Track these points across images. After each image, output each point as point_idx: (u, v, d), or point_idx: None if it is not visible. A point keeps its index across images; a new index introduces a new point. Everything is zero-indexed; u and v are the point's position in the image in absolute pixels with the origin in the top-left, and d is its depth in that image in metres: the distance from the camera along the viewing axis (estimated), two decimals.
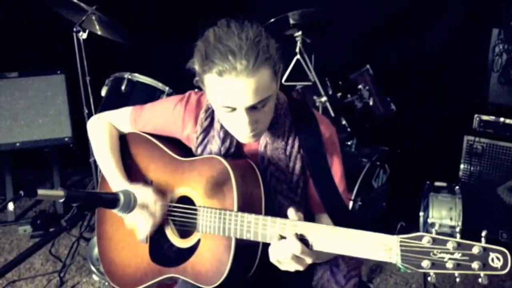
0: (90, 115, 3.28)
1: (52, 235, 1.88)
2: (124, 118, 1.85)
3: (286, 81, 3.16)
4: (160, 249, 1.71)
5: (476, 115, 3.38)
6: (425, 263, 1.18)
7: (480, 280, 1.15)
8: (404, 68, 3.72)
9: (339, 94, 3.27)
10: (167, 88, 3.14)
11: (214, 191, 1.57)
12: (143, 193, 1.66)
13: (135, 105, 1.87)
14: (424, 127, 3.72)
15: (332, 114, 3.13)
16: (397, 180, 3.37)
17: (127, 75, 3.15)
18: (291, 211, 1.38)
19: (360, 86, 3.29)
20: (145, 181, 1.77)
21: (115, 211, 1.44)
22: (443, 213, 3.13)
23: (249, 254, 1.54)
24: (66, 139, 3.69)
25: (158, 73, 3.22)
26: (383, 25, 3.74)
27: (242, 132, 1.51)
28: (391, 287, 3.05)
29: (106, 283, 2.99)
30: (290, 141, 1.63)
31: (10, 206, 3.78)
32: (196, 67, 1.48)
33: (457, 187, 3.23)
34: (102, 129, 1.85)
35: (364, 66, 3.39)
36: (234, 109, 1.45)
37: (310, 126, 1.64)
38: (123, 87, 3.12)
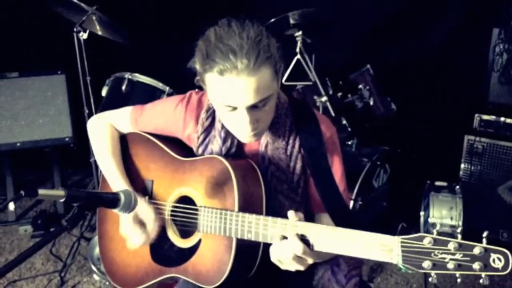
0: (90, 115, 3.28)
1: (53, 235, 1.88)
2: (124, 118, 1.85)
3: (286, 81, 3.16)
4: (161, 249, 1.71)
5: (476, 115, 3.39)
6: (426, 264, 1.18)
7: (481, 280, 1.15)
8: (405, 68, 3.72)
9: (339, 94, 3.27)
10: (167, 88, 3.14)
11: (215, 191, 1.57)
12: (144, 210, 1.67)
13: (135, 105, 1.87)
14: (425, 126, 3.72)
15: (333, 114, 3.13)
16: (398, 179, 3.37)
17: (127, 75, 3.15)
18: (291, 213, 1.38)
19: (360, 86, 3.29)
20: (146, 181, 1.77)
21: (115, 211, 1.44)
22: (444, 213, 3.13)
23: (250, 254, 1.54)
24: (67, 139, 3.69)
25: (158, 73, 3.22)
26: (383, 25, 3.74)
27: (243, 132, 1.51)
28: (391, 286, 3.05)
29: (107, 283, 2.99)
30: (291, 141, 1.63)
31: (11, 206, 3.78)
32: (197, 67, 1.48)
33: (457, 187, 3.23)
34: (103, 131, 1.85)
35: (364, 66, 3.39)
36: (235, 108, 1.45)
37: (311, 126, 1.64)
38: (123, 87, 3.12)
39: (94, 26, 3.31)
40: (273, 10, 3.09)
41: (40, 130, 3.66)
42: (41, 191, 1.22)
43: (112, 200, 1.42)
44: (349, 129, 3.18)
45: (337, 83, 3.31)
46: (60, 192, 1.27)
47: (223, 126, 1.63)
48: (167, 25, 3.98)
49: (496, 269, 1.13)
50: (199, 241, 1.60)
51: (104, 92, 3.24)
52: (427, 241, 1.19)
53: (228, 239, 1.51)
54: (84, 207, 1.36)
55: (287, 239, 1.36)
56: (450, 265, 1.16)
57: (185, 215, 1.65)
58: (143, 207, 1.68)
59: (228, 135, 1.64)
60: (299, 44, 3.14)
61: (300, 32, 3.14)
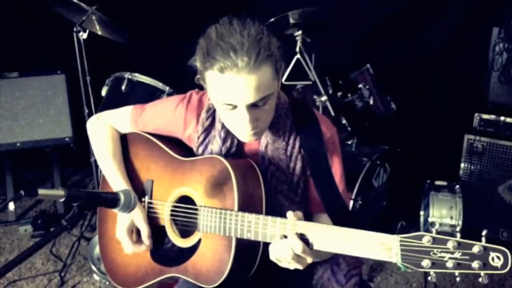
0: (90, 115, 3.28)
1: (53, 235, 1.89)
2: (124, 118, 1.84)
3: (286, 80, 3.17)
4: (161, 249, 1.71)
5: (476, 114, 3.39)
6: (425, 263, 1.18)
7: (480, 279, 1.15)
8: (405, 67, 3.72)
9: (339, 93, 3.27)
10: (167, 88, 3.14)
11: (215, 190, 1.57)
12: (139, 218, 1.69)
13: (135, 105, 1.87)
14: (425, 126, 3.72)
15: (332, 114, 3.13)
16: (398, 179, 3.38)
17: (127, 75, 3.15)
18: (290, 214, 1.38)
19: (360, 85, 3.29)
20: (146, 181, 1.77)
21: (115, 210, 1.44)
22: (444, 212, 3.13)
23: (250, 253, 1.54)
24: (67, 139, 3.69)
25: (158, 73, 3.22)
26: (383, 24, 3.74)
27: (243, 130, 1.51)
28: (391, 286, 3.05)
29: (107, 283, 3.00)
30: (291, 141, 1.63)
31: (11, 206, 3.78)
32: (198, 64, 1.48)
33: (457, 186, 3.23)
34: (103, 131, 1.84)
35: (364, 65, 3.39)
36: (235, 107, 1.45)
37: (311, 126, 1.64)
38: (123, 87, 3.12)
39: (94, 26, 3.31)
40: (273, 9, 3.10)
41: (40, 130, 3.66)
42: (41, 191, 1.22)
43: (111, 200, 1.42)
44: (349, 128, 3.19)
45: (337, 83, 3.31)
46: (60, 191, 1.27)
47: (223, 126, 1.63)
48: (167, 25, 3.98)
49: (495, 268, 1.14)
50: (199, 240, 1.60)
51: (104, 92, 3.24)
52: (426, 240, 1.19)
53: (227, 238, 1.51)
54: (84, 207, 1.37)
55: (286, 238, 1.37)
56: (449, 264, 1.16)
57: (185, 215, 1.65)
58: (140, 219, 1.70)
59: (228, 135, 1.64)
60: (299, 43, 3.15)
61: (300, 32, 3.14)
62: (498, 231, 3.30)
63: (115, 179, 1.77)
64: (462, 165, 3.47)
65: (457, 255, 1.16)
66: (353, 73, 3.37)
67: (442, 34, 3.69)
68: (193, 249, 1.61)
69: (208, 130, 1.69)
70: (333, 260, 1.69)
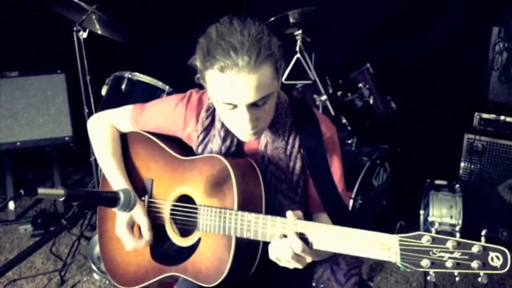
0: (90, 114, 3.28)
1: (53, 234, 1.89)
2: (124, 117, 1.85)
3: (286, 80, 3.17)
4: (161, 248, 1.71)
5: (476, 113, 3.39)
6: (425, 262, 1.18)
7: (479, 279, 1.15)
8: (405, 66, 3.72)
9: (339, 93, 3.27)
10: (167, 87, 3.14)
11: (215, 190, 1.57)
12: (138, 214, 1.69)
13: (135, 104, 1.87)
14: (424, 125, 3.72)
15: (332, 113, 3.13)
16: (398, 178, 3.38)
17: (127, 74, 3.15)
18: (289, 214, 1.38)
19: (360, 85, 3.29)
20: (146, 180, 1.78)
21: (115, 209, 1.45)
22: (444, 212, 3.13)
23: (250, 253, 1.54)
24: (67, 138, 3.69)
25: (158, 72, 3.23)
26: (383, 24, 3.74)
27: (243, 130, 1.51)
28: (391, 285, 3.05)
29: (107, 282, 3.00)
30: (290, 141, 1.63)
31: (11, 205, 3.78)
32: (198, 64, 1.48)
33: (457, 186, 3.23)
34: (103, 130, 1.85)
35: (364, 64, 3.39)
36: (235, 106, 1.45)
37: (311, 125, 1.64)
38: (123, 86, 3.12)
39: (94, 25, 3.31)
40: (273, 9, 3.10)
41: (40, 129, 3.66)
42: (40, 190, 1.22)
43: (111, 199, 1.42)
44: (349, 128, 3.19)
45: (337, 82, 3.31)
46: (60, 191, 1.27)
47: (223, 125, 1.63)
48: (167, 24, 3.97)
49: (495, 268, 1.14)
50: (199, 239, 1.60)
51: (104, 91, 3.24)
52: (425, 239, 1.19)
53: (227, 237, 1.51)
54: (84, 206, 1.37)
55: (286, 237, 1.37)
56: (449, 264, 1.16)
57: (184, 214, 1.65)
58: (139, 214, 1.70)
59: (227, 134, 1.64)
60: (299, 43, 3.15)
61: (300, 31, 3.15)
62: (498, 231, 3.30)
63: (114, 178, 1.77)
64: (462, 164, 3.47)
65: (457, 255, 1.16)
66: (353, 72, 3.37)
67: (442, 34, 3.69)
68: (192, 248, 1.61)
69: (207, 129, 1.69)
70: (333, 259, 1.69)
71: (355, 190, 2.91)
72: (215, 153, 1.65)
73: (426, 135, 3.71)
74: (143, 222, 1.70)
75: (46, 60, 3.85)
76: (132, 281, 1.78)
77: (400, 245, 1.22)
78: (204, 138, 1.70)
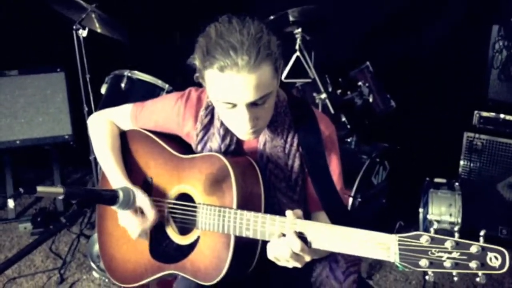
0: (90, 113, 3.28)
1: (51, 232, 1.88)
2: (125, 115, 1.85)
3: (286, 78, 3.16)
4: (160, 246, 1.71)
5: (476, 112, 3.38)
6: (423, 262, 1.18)
7: (478, 279, 1.15)
8: (404, 65, 3.72)
9: (339, 91, 3.26)
10: (166, 86, 3.14)
11: (214, 188, 1.57)
12: (140, 198, 1.67)
13: (135, 102, 1.87)
14: (424, 123, 3.72)
15: (332, 111, 3.13)
16: (397, 176, 3.37)
17: (126, 73, 3.14)
18: (289, 213, 1.38)
19: (360, 83, 3.29)
20: (145, 178, 1.78)
21: (114, 208, 1.45)
22: (443, 210, 3.13)
23: (248, 251, 1.54)
24: (66, 136, 3.69)
25: (157, 70, 3.22)
26: (383, 22, 3.74)
27: (242, 129, 1.51)
28: (390, 283, 3.06)
29: (106, 280, 3.00)
30: (289, 139, 1.63)
31: (11, 203, 3.79)
32: (197, 63, 1.48)
33: (456, 184, 3.24)
34: (103, 127, 1.85)
35: (364, 62, 3.39)
36: (234, 106, 1.45)
37: (310, 124, 1.64)
38: (122, 85, 3.11)
39: (93, 24, 3.31)
40: (273, 7, 3.09)
41: (40, 128, 3.66)
42: (39, 188, 1.22)
43: (110, 197, 1.42)
44: (349, 126, 3.18)
45: (336, 80, 3.31)
46: (59, 189, 1.28)
47: (222, 124, 1.63)
48: (166, 22, 3.97)
49: (493, 268, 1.14)
50: (198, 238, 1.60)
51: (103, 90, 3.24)
52: (424, 239, 1.19)
53: (226, 236, 1.51)
54: (83, 204, 1.37)
55: (285, 237, 1.37)
56: (447, 264, 1.16)
57: (184, 212, 1.65)
58: (139, 196, 1.67)
59: (227, 132, 1.65)
60: (298, 41, 3.14)
61: (299, 29, 3.14)
62: (497, 229, 3.30)
63: (113, 174, 1.77)
64: (461, 162, 3.47)
65: (455, 255, 1.16)
66: (352, 70, 3.36)
67: (442, 32, 3.68)
68: (191, 246, 1.61)
69: (207, 127, 1.69)
70: (332, 257, 1.69)
71: (354, 188, 2.91)
72: (215, 151, 1.65)
73: (426, 133, 3.71)
74: (145, 202, 1.66)
75: (45, 58, 3.84)
76: (131, 279, 1.79)
77: (399, 245, 1.22)
78: (203, 137, 1.70)
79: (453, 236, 1.18)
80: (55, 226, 1.48)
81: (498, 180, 3.36)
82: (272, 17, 3.04)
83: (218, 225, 1.52)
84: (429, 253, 1.18)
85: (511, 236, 3.27)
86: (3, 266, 1.27)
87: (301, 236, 1.35)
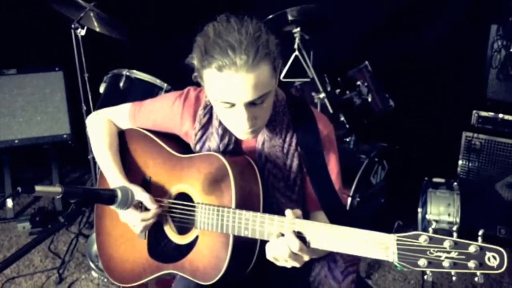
0: (88, 112, 3.27)
1: (50, 231, 1.88)
2: (123, 115, 1.85)
3: (284, 77, 3.16)
4: (159, 245, 1.72)
5: (474, 111, 3.38)
6: (422, 262, 1.18)
7: (476, 279, 1.15)
8: (403, 64, 3.72)
9: (337, 91, 3.26)
10: (165, 85, 3.13)
11: (212, 188, 1.57)
12: (140, 193, 1.67)
13: (133, 101, 1.87)
14: (423, 123, 3.72)
15: (331, 111, 3.13)
16: (396, 176, 3.37)
17: (125, 72, 3.14)
18: (288, 212, 1.38)
19: (358, 83, 3.29)
20: (144, 177, 1.78)
21: (112, 207, 1.44)
22: (441, 209, 3.13)
23: (247, 251, 1.54)
24: (65, 136, 3.69)
25: (156, 69, 3.22)
26: (382, 21, 3.73)
27: (241, 128, 1.51)
28: (389, 283, 3.06)
29: (105, 280, 3.00)
30: (287, 139, 1.63)
31: (9, 203, 3.78)
32: (195, 63, 1.48)
33: (455, 183, 3.24)
34: (101, 126, 1.85)
35: (362, 62, 3.39)
36: (233, 105, 1.45)
37: (308, 123, 1.64)
38: (121, 84, 3.11)
39: (92, 23, 3.30)
40: (271, 6, 3.09)
41: (38, 127, 3.66)
42: (38, 188, 1.22)
43: (109, 197, 1.42)
44: (347, 125, 3.18)
45: (335, 80, 3.31)
46: (57, 188, 1.27)
47: (220, 123, 1.63)
48: (165, 21, 3.97)
49: (491, 268, 1.14)
50: (196, 237, 1.60)
51: (102, 89, 3.23)
52: (422, 239, 1.19)
53: (225, 236, 1.51)
54: (81, 204, 1.37)
55: (283, 236, 1.37)
56: (446, 263, 1.16)
57: (182, 212, 1.65)
58: (138, 192, 1.67)
59: (225, 132, 1.64)
60: (297, 40, 3.14)
61: (298, 29, 3.14)
62: (496, 228, 3.31)
63: (111, 173, 1.77)
64: (460, 162, 3.47)
65: (454, 254, 1.16)
66: (351, 70, 3.36)
67: (441, 32, 3.68)
68: (190, 246, 1.61)
69: (205, 127, 1.69)
70: (330, 257, 1.69)
71: (353, 187, 2.91)
72: (213, 151, 1.65)
73: (424, 133, 3.71)
74: (144, 197, 1.66)
75: (44, 57, 3.84)
76: (130, 279, 1.79)
77: (398, 244, 1.22)
78: (201, 136, 1.70)
79: (451, 235, 1.18)
80: (53, 226, 1.47)
81: (496, 179, 3.37)
82: (270, 16, 3.04)
83: (217, 225, 1.51)
84: (428, 252, 1.18)
85: (509, 235, 3.27)
86: (2, 265, 1.26)
87: (299, 236, 1.35)
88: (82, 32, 3.19)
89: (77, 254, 3.28)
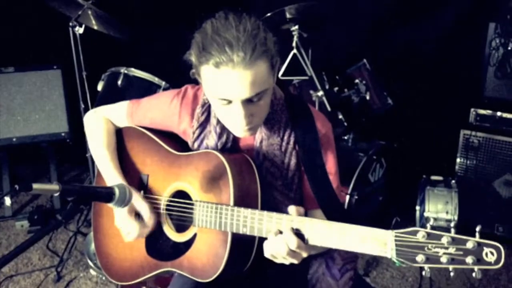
0: (86, 110, 3.27)
1: (47, 230, 1.88)
2: (120, 112, 1.85)
3: (282, 75, 3.16)
4: (157, 243, 1.71)
5: (472, 109, 3.39)
6: (420, 258, 1.19)
7: (474, 274, 1.16)
8: (401, 62, 3.72)
9: (336, 89, 3.26)
10: (163, 83, 3.13)
11: (211, 185, 1.57)
12: (139, 202, 1.69)
13: (131, 99, 1.87)
14: (421, 121, 3.73)
15: (329, 109, 3.13)
16: (394, 174, 3.38)
17: (123, 70, 3.13)
18: (291, 209, 1.38)
19: (357, 81, 3.29)
20: (141, 175, 1.78)
21: (110, 205, 1.44)
22: (439, 207, 3.14)
23: (245, 248, 1.54)
24: (63, 134, 3.69)
25: (154, 67, 3.22)
26: (380, 19, 3.73)
27: (237, 126, 1.51)
28: (387, 280, 3.06)
29: (103, 278, 3.00)
30: (285, 137, 1.63)
31: (7, 201, 3.78)
32: (193, 59, 1.48)
33: (453, 181, 3.24)
34: (99, 124, 1.85)
35: (361, 60, 3.39)
36: (229, 102, 1.44)
37: (306, 122, 1.64)
38: (119, 82, 3.10)
39: (90, 21, 3.30)
40: (270, 4, 3.09)
41: (36, 125, 3.66)
42: (35, 185, 1.22)
43: (106, 195, 1.42)
44: (346, 123, 3.18)
45: (333, 78, 3.31)
46: (55, 186, 1.27)
47: (218, 122, 1.63)
48: (163, 19, 3.96)
49: (489, 263, 1.14)
50: (195, 235, 1.60)
51: (100, 87, 3.23)
52: (420, 235, 1.19)
53: (223, 233, 1.51)
54: (79, 201, 1.36)
55: (281, 234, 1.37)
56: (444, 259, 1.17)
57: (180, 210, 1.65)
58: (138, 200, 1.68)
59: (223, 130, 1.64)
60: (295, 38, 3.14)
61: (296, 27, 3.14)
62: (494, 226, 3.31)
63: (109, 172, 1.77)
64: (458, 160, 3.47)
65: (451, 250, 1.17)
66: (349, 68, 3.37)
67: (439, 30, 3.68)
68: (188, 243, 1.61)
69: (203, 125, 1.69)
70: (328, 254, 1.69)
71: (351, 185, 2.91)
72: (211, 149, 1.65)
73: (423, 131, 3.72)
74: (144, 208, 1.68)
75: (42, 56, 3.84)
76: (128, 277, 1.78)
77: (396, 240, 1.22)
78: (199, 134, 1.70)
79: (449, 232, 1.18)
80: (51, 224, 1.47)
81: (494, 177, 3.37)
82: (268, 14, 3.04)
83: (215, 222, 1.51)
84: (426, 248, 1.19)
85: (507, 233, 3.28)
86: None
87: (298, 233, 1.35)
88: (80, 30, 3.19)
89: (75, 252, 3.28)
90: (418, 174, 3.40)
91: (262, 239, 1.44)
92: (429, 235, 1.19)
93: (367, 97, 3.27)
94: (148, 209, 1.68)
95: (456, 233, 1.18)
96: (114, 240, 1.82)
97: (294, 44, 3.13)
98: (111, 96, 3.07)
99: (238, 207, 1.48)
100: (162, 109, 1.75)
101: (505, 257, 1.14)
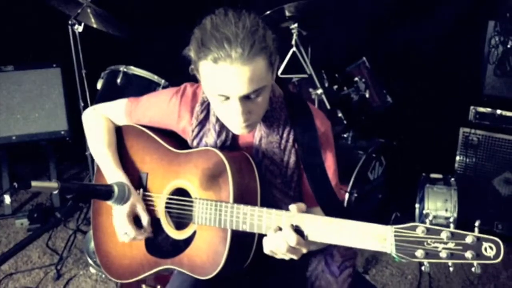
0: (86, 108, 3.27)
1: (47, 228, 1.89)
2: (119, 110, 1.84)
3: (282, 73, 3.16)
4: (156, 241, 1.71)
5: (472, 107, 3.39)
6: (419, 253, 1.19)
7: (473, 269, 1.16)
8: (401, 60, 3.72)
9: (335, 87, 3.26)
10: (162, 81, 3.13)
11: (210, 183, 1.57)
12: (139, 205, 1.69)
13: (130, 97, 1.87)
14: (420, 119, 3.73)
15: (328, 107, 3.13)
16: (393, 172, 3.38)
17: (122, 68, 3.13)
18: (293, 207, 1.38)
19: (356, 79, 3.29)
20: (141, 173, 1.78)
21: (109, 203, 1.44)
22: (439, 205, 3.14)
23: (245, 245, 1.54)
24: (62, 132, 3.69)
25: (153, 65, 3.22)
26: (379, 18, 3.73)
27: (235, 122, 1.51)
28: (387, 278, 3.07)
29: (103, 276, 3.00)
30: (285, 135, 1.63)
31: (7, 199, 3.78)
32: (192, 55, 1.48)
33: (452, 179, 3.24)
34: (98, 123, 1.85)
35: (360, 58, 3.39)
36: (227, 98, 1.45)
37: (305, 120, 1.64)
38: (118, 80, 3.10)
39: (89, 19, 3.30)
40: (269, 2, 3.09)
41: (36, 123, 3.66)
42: (34, 183, 1.22)
43: (105, 192, 1.42)
44: (345, 121, 3.19)
45: (333, 76, 3.31)
46: (54, 184, 1.27)
47: (217, 119, 1.63)
48: (163, 17, 3.96)
49: (488, 258, 1.14)
50: (194, 232, 1.60)
51: (99, 85, 3.23)
52: (420, 230, 1.20)
53: (223, 230, 1.51)
54: (78, 199, 1.37)
55: (281, 230, 1.37)
56: (443, 254, 1.17)
57: (180, 207, 1.65)
58: (137, 202, 1.69)
59: (222, 128, 1.64)
60: (294, 36, 3.14)
61: (295, 25, 3.14)
62: (493, 224, 3.31)
63: (108, 169, 1.77)
64: (457, 158, 3.47)
65: (451, 245, 1.17)
66: (349, 66, 3.37)
67: (438, 28, 3.68)
68: (188, 241, 1.61)
69: (202, 123, 1.69)
70: (327, 251, 1.69)
71: (350, 183, 2.91)
72: (210, 147, 1.65)
73: (422, 129, 3.72)
74: (144, 216, 1.69)
75: (41, 54, 3.83)
76: (127, 274, 1.79)
77: (395, 236, 1.22)
78: (199, 132, 1.70)
79: (448, 228, 1.19)
80: (50, 221, 1.47)
81: (494, 175, 3.37)
82: (268, 12, 3.04)
83: (215, 220, 1.52)
84: (425, 243, 1.19)
85: (506, 231, 3.28)
86: None
87: (297, 229, 1.36)
88: (79, 28, 3.19)
89: (75, 250, 3.28)
90: (417, 172, 3.40)
91: (261, 236, 1.44)
92: (428, 230, 1.19)
93: (367, 95, 3.28)
94: (147, 220, 1.69)
95: (455, 228, 1.18)
96: (113, 238, 1.81)
97: (293, 42, 3.14)
98: (111, 94, 3.07)
99: (238, 204, 1.48)
100: (161, 107, 1.75)
101: (504, 253, 1.14)
